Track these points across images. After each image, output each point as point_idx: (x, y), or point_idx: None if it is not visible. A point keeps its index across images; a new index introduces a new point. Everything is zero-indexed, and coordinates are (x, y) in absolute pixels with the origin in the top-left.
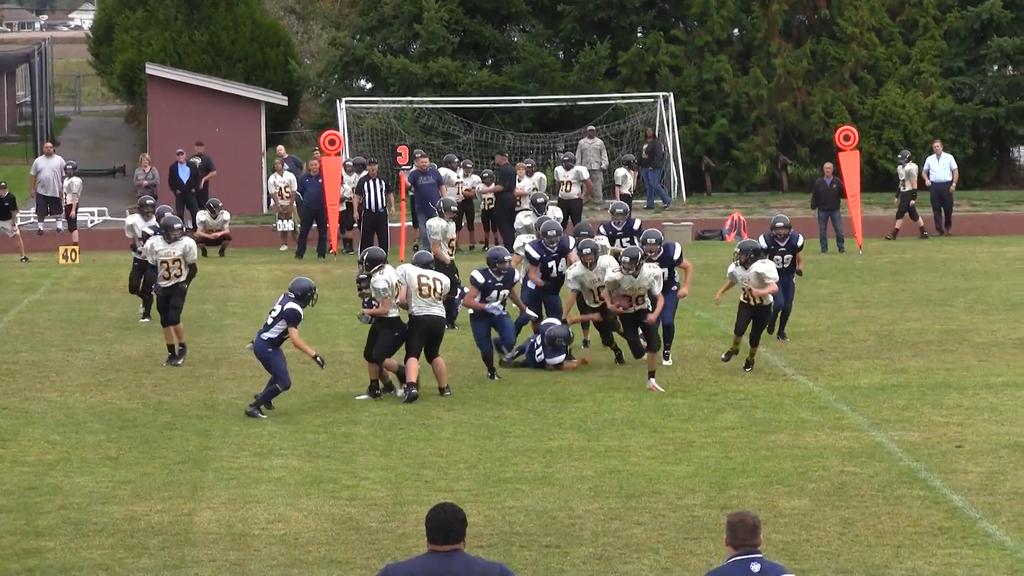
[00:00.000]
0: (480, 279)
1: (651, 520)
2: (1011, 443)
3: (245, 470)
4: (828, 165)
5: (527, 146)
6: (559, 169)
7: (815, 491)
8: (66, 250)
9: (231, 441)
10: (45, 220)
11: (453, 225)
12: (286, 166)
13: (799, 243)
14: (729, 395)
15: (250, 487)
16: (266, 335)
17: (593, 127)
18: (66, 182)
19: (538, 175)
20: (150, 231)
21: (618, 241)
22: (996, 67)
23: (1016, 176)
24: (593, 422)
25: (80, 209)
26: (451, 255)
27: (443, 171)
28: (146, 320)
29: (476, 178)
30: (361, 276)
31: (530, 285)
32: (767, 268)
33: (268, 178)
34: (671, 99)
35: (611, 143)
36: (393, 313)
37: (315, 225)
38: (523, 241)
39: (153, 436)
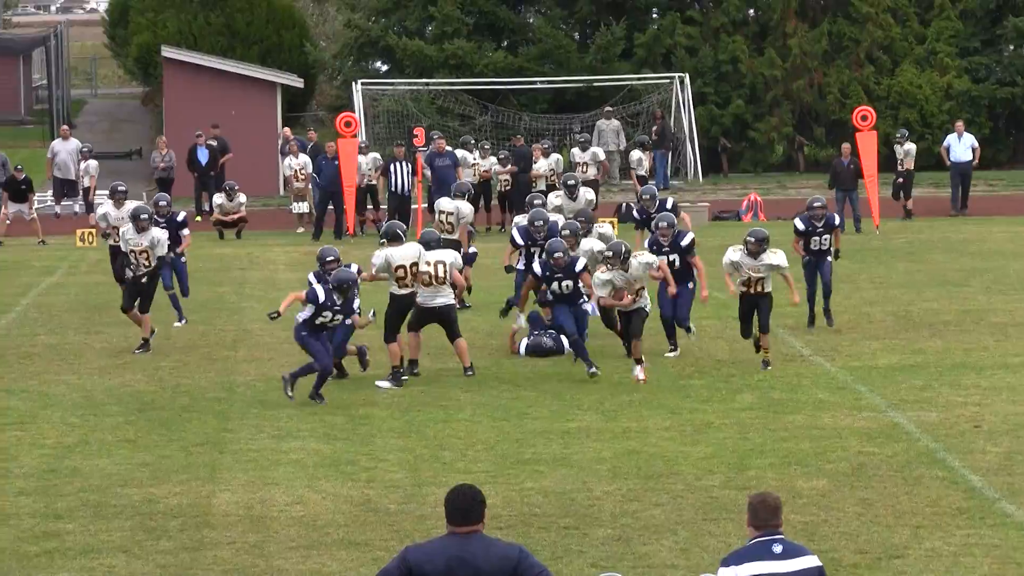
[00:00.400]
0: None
1: (669, 501)
2: None
3: (263, 452)
4: (846, 145)
5: (543, 127)
6: (575, 150)
7: (833, 472)
8: (83, 233)
9: (249, 423)
10: (62, 203)
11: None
12: (295, 145)
13: (836, 223)
14: (747, 376)
15: (268, 469)
16: (301, 317)
17: (610, 108)
18: (82, 165)
19: (555, 156)
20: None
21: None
22: (1012, 47)
23: None
24: (611, 403)
25: (97, 192)
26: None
27: (460, 153)
28: None
29: (493, 159)
30: None
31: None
32: (779, 259)
33: (283, 160)
34: (687, 80)
35: (627, 124)
36: (398, 290)
37: (331, 207)
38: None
39: (171, 418)
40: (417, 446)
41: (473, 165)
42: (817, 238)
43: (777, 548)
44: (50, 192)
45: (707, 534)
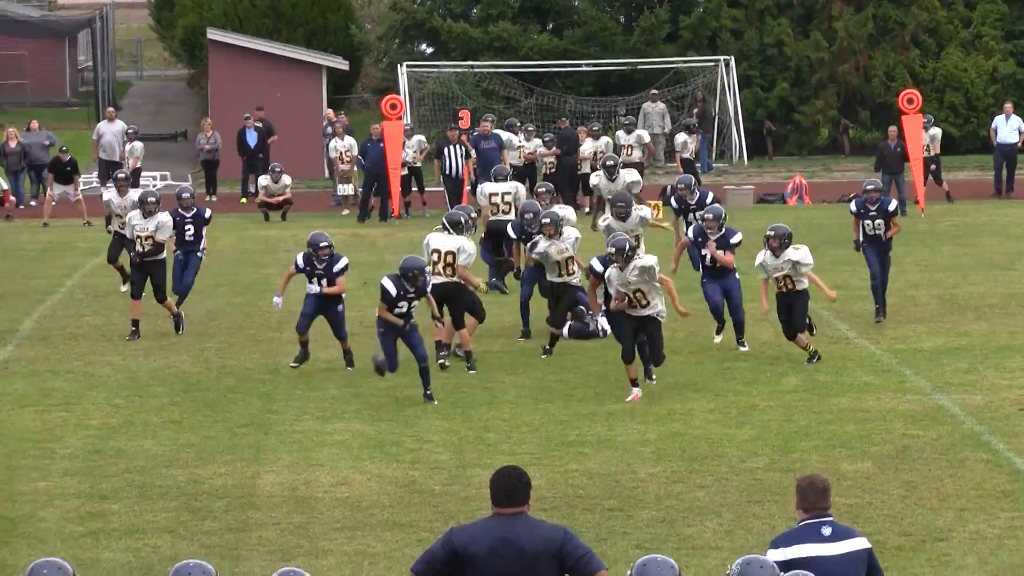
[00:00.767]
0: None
1: (714, 483)
2: None
3: (308, 433)
4: (892, 129)
5: (588, 110)
6: (620, 133)
7: (878, 454)
8: None
9: (294, 404)
10: (107, 185)
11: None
12: (340, 127)
13: (891, 208)
14: (792, 358)
15: (313, 450)
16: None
17: (656, 91)
18: (128, 147)
19: (605, 139)
20: (120, 209)
21: (691, 215)
22: None
23: None
24: (655, 385)
25: (142, 173)
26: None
27: (505, 135)
28: (126, 287)
29: (537, 141)
30: None
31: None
32: (802, 255)
33: (328, 142)
34: (732, 63)
35: (672, 107)
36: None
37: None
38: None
39: (216, 400)
40: (462, 428)
41: (519, 148)
42: (870, 222)
43: (826, 530)
44: (95, 174)
45: (751, 516)
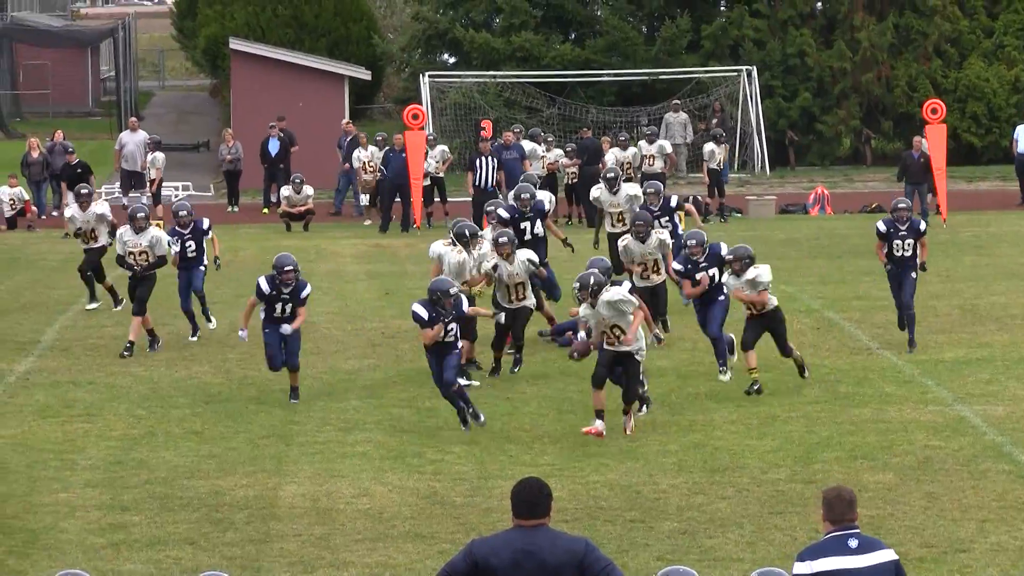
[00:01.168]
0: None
1: (735, 495)
2: None
3: (329, 444)
4: (917, 139)
5: (610, 120)
6: (642, 143)
7: (899, 465)
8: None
9: (315, 416)
10: (129, 195)
11: None
12: (364, 138)
13: (922, 228)
14: (813, 369)
15: (335, 462)
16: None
17: (678, 100)
18: (150, 157)
19: (632, 150)
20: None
21: (658, 222)
22: None
23: None
24: (677, 396)
25: (164, 184)
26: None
27: (528, 145)
28: (92, 305)
29: (559, 151)
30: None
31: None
32: (760, 272)
33: (352, 153)
34: (754, 73)
35: (694, 117)
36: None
37: (398, 199)
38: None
39: (238, 411)
40: (483, 439)
41: (541, 157)
42: (900, 242)
43: (853, 542)
44: (118, 184)
45: (773, 527)
